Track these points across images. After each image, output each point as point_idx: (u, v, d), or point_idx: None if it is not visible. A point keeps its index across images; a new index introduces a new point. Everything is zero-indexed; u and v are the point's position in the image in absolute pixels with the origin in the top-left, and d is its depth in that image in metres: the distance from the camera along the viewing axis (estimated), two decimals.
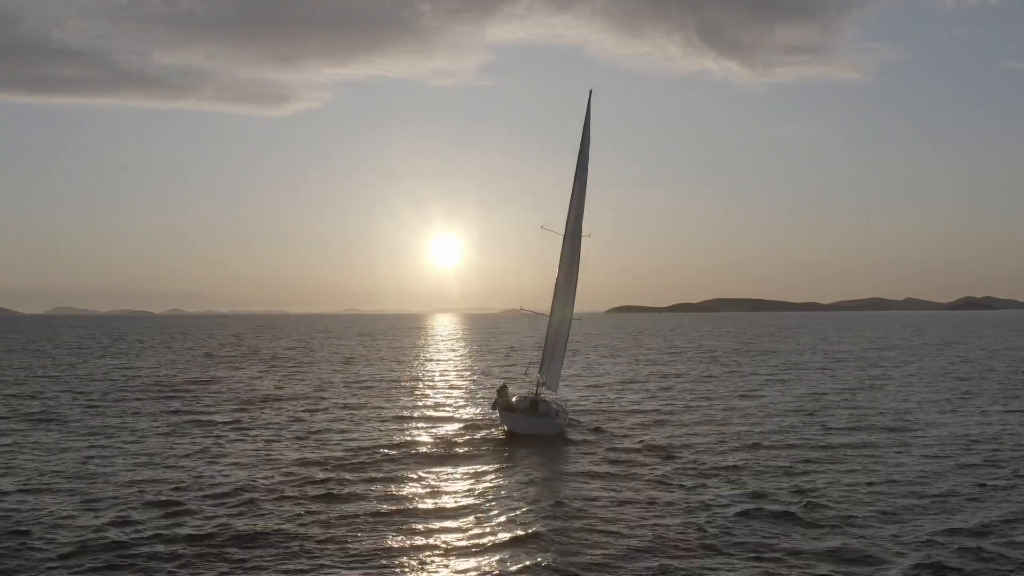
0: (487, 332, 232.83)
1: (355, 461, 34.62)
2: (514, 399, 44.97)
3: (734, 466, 33.32)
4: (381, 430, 42.97)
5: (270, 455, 35.70)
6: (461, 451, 37.90)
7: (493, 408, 44.33)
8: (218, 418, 47.24)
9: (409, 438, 40.75)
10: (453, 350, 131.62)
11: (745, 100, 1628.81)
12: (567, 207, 47.71)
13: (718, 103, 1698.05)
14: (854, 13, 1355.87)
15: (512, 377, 67.29)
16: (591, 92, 47.26)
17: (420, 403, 55.20)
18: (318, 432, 42.00)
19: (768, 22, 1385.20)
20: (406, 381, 71.47)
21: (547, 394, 46.87)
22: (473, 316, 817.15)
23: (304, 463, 33.97)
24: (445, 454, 36.96)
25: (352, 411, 50.53)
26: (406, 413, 49.80)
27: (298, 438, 40.28)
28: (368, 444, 38.54)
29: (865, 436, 40.62)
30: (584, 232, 47.10)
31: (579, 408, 51.64)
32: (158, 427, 43.98)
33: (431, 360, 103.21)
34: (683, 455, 35.99)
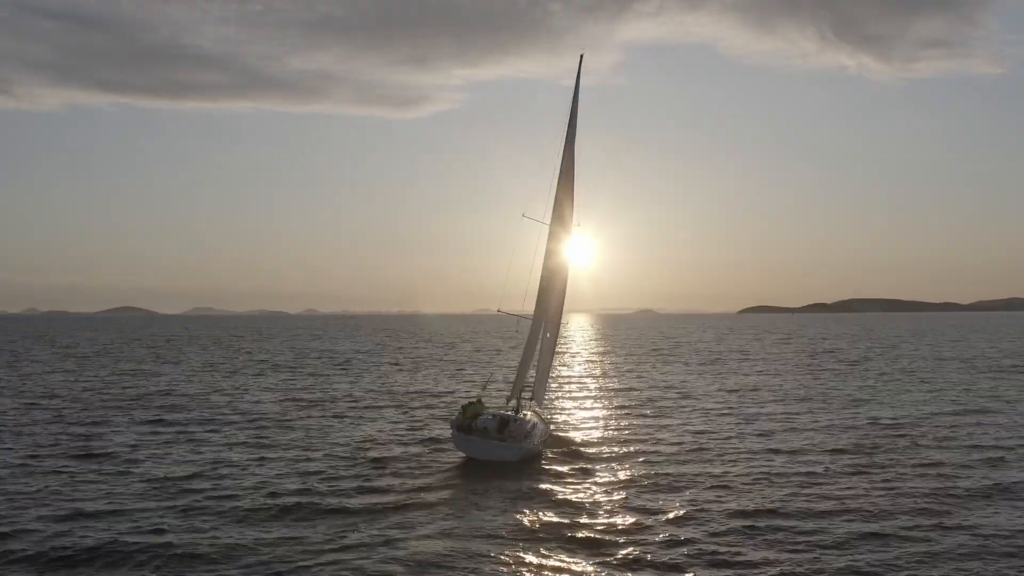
0: (593, 334, 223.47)
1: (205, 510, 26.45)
2: (481, 416, 36.79)
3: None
4: (285, 462, 34.61)
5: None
6: (378, 486, 30.81)
7: (452, 428, 36.69)
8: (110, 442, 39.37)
9: (309, 474, 32.52)
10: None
11: (882, 96, 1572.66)
12: (568, 192, 39.36)
13: (854, 99, 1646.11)
14: (994, 4, 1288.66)
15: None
16: (582, 57, 39.58)
17: (382, 422, 46.72)
18: (201, 472, 33.50)
19: (905, 15, 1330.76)
20: (406, 393, 62.27)
21: (527, 410, 39.83)
22: (606, 316, 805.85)
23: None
24: (349, 496, 29.27)
25: (297, 432, 42.24)
26: (348, 439, 41.12)
27: (152, 480, 31.82)
28: (255, 483, 30.49)
29: (929, 504, 29.36)
30: (574, 221, 38.99)
31: (595, 431, 43.89)
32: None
33: (485, 366, 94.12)
34: (640, 514, 26.42)
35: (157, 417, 49.02)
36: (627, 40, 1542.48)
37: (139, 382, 72.54)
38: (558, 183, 38.28)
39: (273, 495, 29.17)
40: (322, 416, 49.55)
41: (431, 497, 29.09)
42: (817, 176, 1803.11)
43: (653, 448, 38.96)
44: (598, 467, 34.52)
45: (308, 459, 35.98)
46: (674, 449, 38.72)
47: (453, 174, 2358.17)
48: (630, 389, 67.14)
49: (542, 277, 38.66)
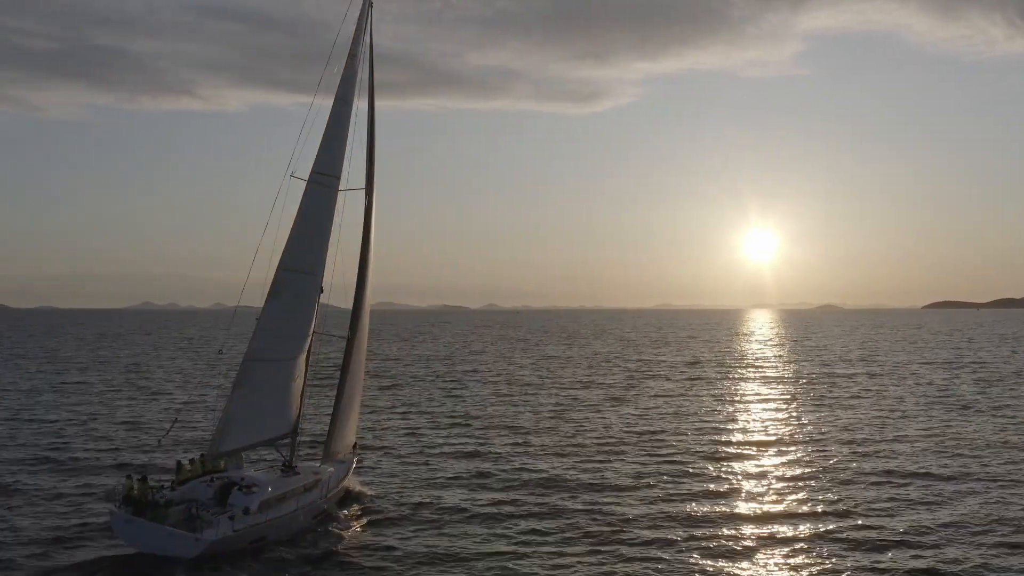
0: (729, 332, 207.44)
1: None
2: (197, 481, 26.34)
3: None
4: None
5: None
6: None
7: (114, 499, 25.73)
8: None
9: None
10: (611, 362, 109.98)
11: None
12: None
13: None
14: None
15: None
16: None
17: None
18: None
19: None
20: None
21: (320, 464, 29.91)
22: (788, 312, 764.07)
23: None
24: None
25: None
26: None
27: None
28: None
29: None
30: (348, 183, 28.44)
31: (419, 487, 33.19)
32: None
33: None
34: None
35: None
36: (807, 30, 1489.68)
37: None
38: (328, 125, 27.30)
39: None
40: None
41: None
42: (1006, 166, 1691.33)
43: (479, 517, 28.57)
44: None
45: None
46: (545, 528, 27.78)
47: (630, 167, 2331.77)
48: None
49: (281, 263, 27.65)
